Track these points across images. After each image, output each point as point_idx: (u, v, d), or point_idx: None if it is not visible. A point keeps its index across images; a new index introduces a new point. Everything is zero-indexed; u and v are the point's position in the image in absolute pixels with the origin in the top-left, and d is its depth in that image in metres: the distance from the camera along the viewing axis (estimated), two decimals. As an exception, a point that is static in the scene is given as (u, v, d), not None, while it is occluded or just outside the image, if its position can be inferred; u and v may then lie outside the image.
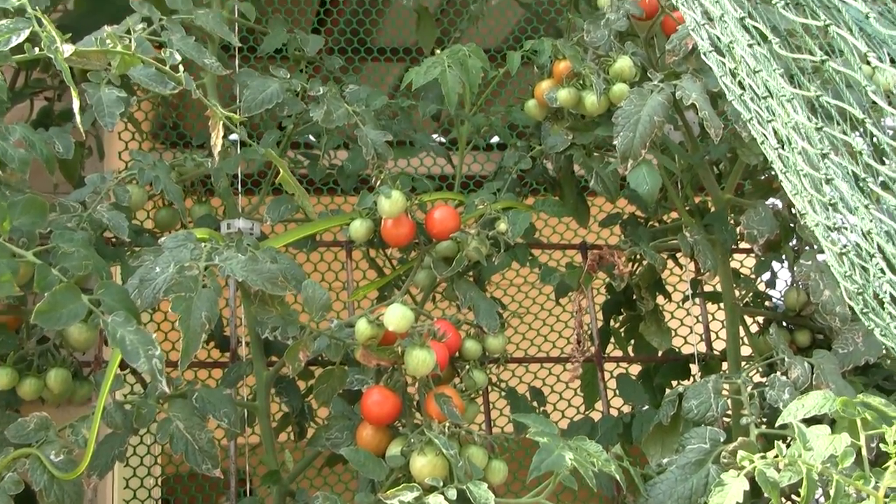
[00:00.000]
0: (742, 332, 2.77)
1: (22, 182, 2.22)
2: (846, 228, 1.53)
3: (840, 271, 1.54)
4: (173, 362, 2.04)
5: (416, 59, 3.56)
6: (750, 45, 1.56)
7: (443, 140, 3.42)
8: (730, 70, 1.68)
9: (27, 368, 2.33)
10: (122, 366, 2.08)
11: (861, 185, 1.49)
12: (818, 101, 1.47)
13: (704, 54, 1.74)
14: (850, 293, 1.54)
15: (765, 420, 2.27)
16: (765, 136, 1.63)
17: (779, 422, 1.91)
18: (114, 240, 2.47)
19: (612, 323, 3.13)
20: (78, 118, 1.90)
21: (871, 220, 1.46)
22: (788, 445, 1.79)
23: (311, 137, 2.97)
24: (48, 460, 2.04)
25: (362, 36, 3.59)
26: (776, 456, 1.78)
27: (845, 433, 1.74)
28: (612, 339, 3.15)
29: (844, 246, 1.51)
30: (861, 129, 1.50)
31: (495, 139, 3.17)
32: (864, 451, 1.76)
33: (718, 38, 1.68)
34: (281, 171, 2.35)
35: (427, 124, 3.16)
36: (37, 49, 1.90)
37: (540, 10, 3.52)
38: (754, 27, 1.60)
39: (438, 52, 2.66)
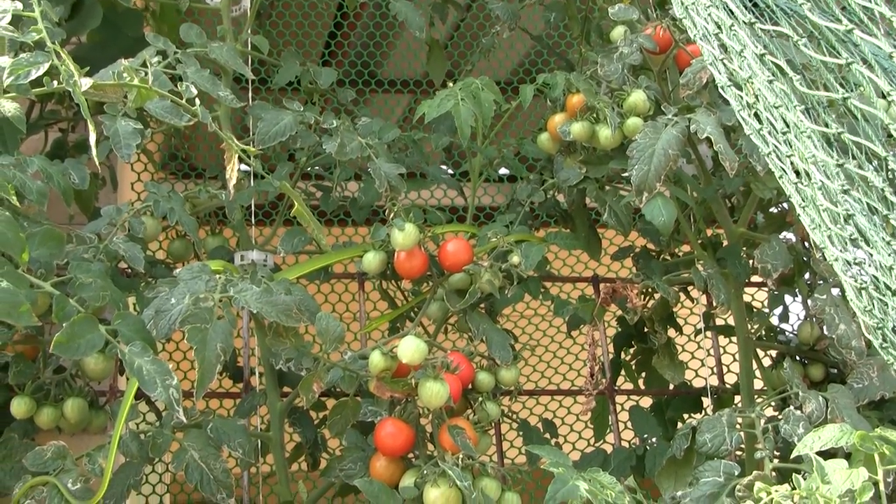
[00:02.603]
0: (755, 366, 2.76)
1: (39, 213, 2.24)
2: (864, 262, 1.53)
3: (860, 306, 1.53)
4: (185, 392, 2.05)
5: (426, 90, 3.57)
6: (770, 81, 1.56)
7: (451, 171, 3.43)
8: (747, 104, 1.68)
9: (44, 398, 2.35)
10: (136, 395, 2.09)
11: (878, 218, 1.49)
12: (838, 137, 1.47)
13: (722, 88, 1.74)
14: (869, 328, 1.54)
15: (778, 454, 2.27)
16: (783, 170, 1.63)
17: (794, 453, 1.90)
18: (128, 270, 2.48)
19: (623, 356, 3.13)
20: (94, 150, 1.91)
21: (889, 255, 1.46)
22: (804, 479, 1.79)
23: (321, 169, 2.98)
24: (66, 488, 2.04)
25: (373, 68, 3.61)
26: (793, 488, 1.77)
27: (863, 467, 1.73)
28: (623, 372, 3.15)
29: (864, 280, 1.51)
30: (876, 162, 1.50)
31: (503, 170, 3.17)
32: (881, 486, 1.76)
33: (735, 73, 1.68)
34: (296, 204, 2.35)
35: (436, 155, 3.16)
36: (55, 82, 1.90)
37: (550, 42, 3.53)
38: (773, 62, 1.60)
39: (450, 84, 2.66)
